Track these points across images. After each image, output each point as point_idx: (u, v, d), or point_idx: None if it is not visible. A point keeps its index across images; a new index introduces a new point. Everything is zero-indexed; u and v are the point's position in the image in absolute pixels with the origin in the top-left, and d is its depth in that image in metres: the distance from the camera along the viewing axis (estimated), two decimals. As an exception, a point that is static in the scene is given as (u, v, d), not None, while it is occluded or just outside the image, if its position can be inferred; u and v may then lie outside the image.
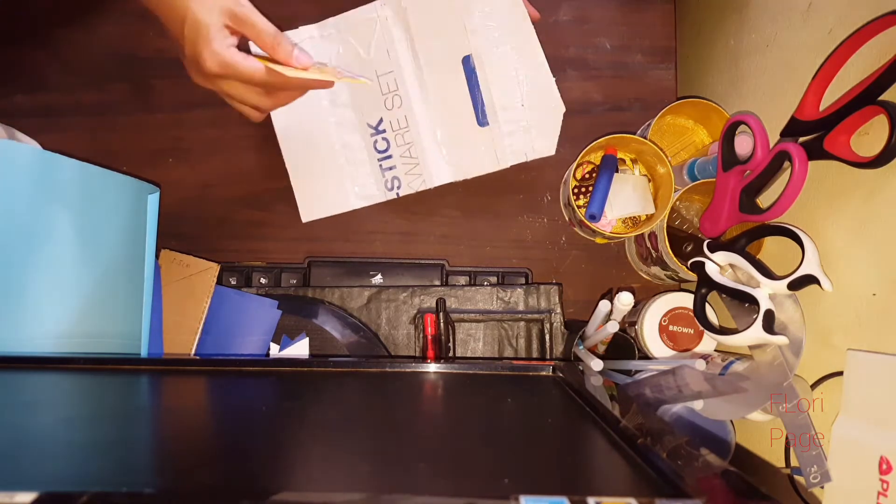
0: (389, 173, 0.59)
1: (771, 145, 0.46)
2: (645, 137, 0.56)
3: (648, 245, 0.56)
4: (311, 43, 0.58)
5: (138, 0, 0.44)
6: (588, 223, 0.55)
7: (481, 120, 0.57)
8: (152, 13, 0.44)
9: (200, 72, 0.44)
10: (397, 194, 0.59)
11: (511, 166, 0.59)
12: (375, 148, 0.59)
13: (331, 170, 0.59)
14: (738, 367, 0.48)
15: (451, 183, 0.60)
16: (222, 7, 0.43)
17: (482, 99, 0.57)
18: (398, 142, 0.58)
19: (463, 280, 0.61)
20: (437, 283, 0.61)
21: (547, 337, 0.58)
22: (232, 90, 0.46)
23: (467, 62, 0.57)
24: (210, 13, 0.43)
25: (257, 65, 0.45)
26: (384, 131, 0.58)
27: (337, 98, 0.59)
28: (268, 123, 0.61)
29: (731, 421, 0.50)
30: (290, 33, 0.57)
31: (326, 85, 0.49)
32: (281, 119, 0.59)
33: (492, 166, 0.58)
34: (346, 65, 0.58)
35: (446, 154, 0.59)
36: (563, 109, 0.57)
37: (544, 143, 0.58)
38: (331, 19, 0.58)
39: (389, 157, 0.59)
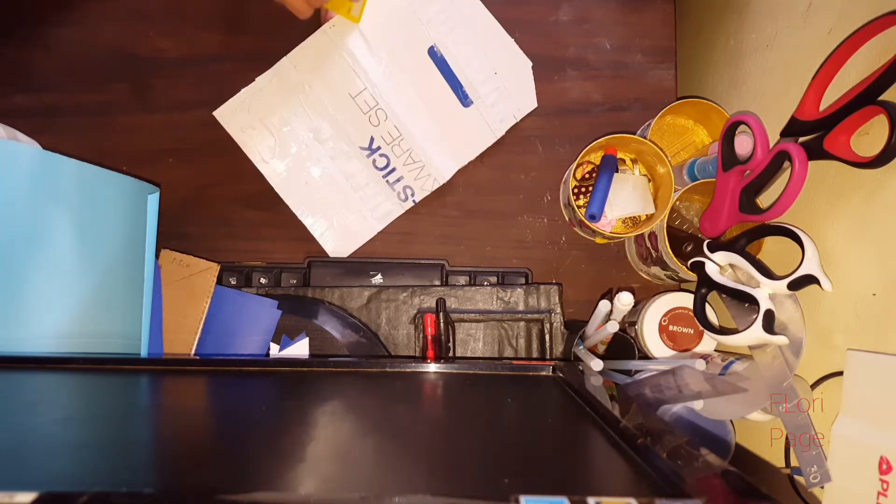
0: (398, 185, 0.59)
1: (771, 145, 0.46)
2: (645, 137, 0.56)
3: (648, 245, 0.56)
4: (271, 90, 0.58)
5: None
6: (588, 223, 0.55)
7: (465, 101, 0.59)
8: None
9: None
10: (413, 202, 0.60)
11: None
12: (376, 167, 0.59)
13: (342, 203, 0.60)
14: (738, 367, 0.48)
15: (452, 182, 0.60)
16: None
17: (459, 82, 0.58)
18: (396, 152, 0.59)
19: (463, 280, 0.61)
20: (437, 283, 0.61)
21: (547, 337, 0.58)
22: None
23: (433, 52, 0.58)
24: None
25: None
26: (378, 148, 0.59)
27: (320, 134, 0.59)
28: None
29: (731, 421, 0.50)
30: (247, 90, 0.58)
31: None
32: (275, 175, 0.59)
33: (490, 139, 0.60)
34: (316, 99, 0.58)
35: (446, 146, 0.59)
36: (530, 63, 0.60)
37: (525, 100, 0.60)
38: (284, 59, 0.57)
39: (393, 170, 0.59)
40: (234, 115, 0.59)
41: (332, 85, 0.58)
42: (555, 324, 0.58)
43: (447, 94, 0.59)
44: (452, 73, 0.58)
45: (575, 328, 0.57)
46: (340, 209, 0.60)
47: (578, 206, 0.58)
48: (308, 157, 0.59)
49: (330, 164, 0.59)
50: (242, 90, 0.58)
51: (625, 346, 0.57)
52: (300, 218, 0.60)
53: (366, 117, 0.58)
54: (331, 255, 0.60)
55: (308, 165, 0.59)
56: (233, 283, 0.59)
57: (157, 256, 0.57)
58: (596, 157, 0.60)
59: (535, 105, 0.61)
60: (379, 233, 0.61)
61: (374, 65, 0.58)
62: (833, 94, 0.42)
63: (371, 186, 0.59)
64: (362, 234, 0.60)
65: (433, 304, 0.59)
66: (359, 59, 0.57)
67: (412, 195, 0.60)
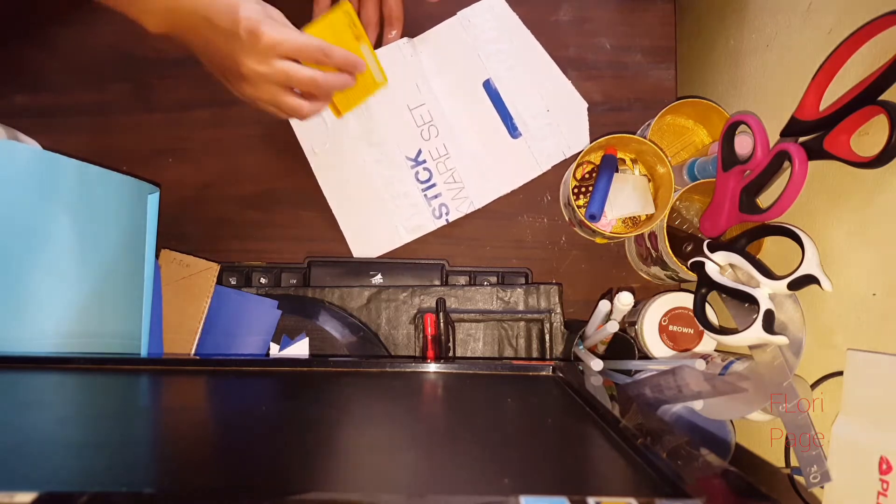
0: (436, 201, 0.60)
1: (771, 145, 0.46)
2: (645, 137, 0.56)
3: (648, 245, 0.56)
4: None
5: (175, 29, 0.44)
6: (588, 223, 0.55)
7: (513, 133, 0.61)
8: (187, 34, 0.45)
9: (256, 60, 0.44)
10: (447, 220, 0.60)
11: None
12: (417, 179, 0.60)
13: (377, 208, 0.60)
14: (738, 367, 0.48)
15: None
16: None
17: (510, 114, 0.60)
18: (440, 169, 0.60)
19: (463, 280, 0.61)
20: (437, 283, 0.61)
21: (547, 337, 0.58)
22: (285, 72, 0.46)
23: (488, 85, 0.61)
24: (261, 3, 0.44)
25: (311, 36, 0.46)
26: (424, 161, 0.60)
27: (371, 136, 0.60)
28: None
29: (731, 421, 0.50)
30: None
31: (358, 65, 0.50)
32: (321, 166, 0.60)
33: (534, 172, 0.61)
34: (376, 103, 0.59)
35: (489, 171, 0.61)
36: (586, 105, 0.61)
37: (577, 139, 0.61)
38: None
39: (433, 185, 0.60)
40: None
41: (394, 93, 0.60)
42: (555, 324, 0.58)
43: (497, 124, 0.61)
44: (504, 105, 0.61)
45: (575, 328, 0.57)
46: (374, 212, 0.60)
47: (578, 206, 0.58)
48: (355, 156, 0.60)
49: (374, 167, 0.60)
50: None
51: (625, 346, 0.57)
52: (334, 212, 0.60)
53: (418, 130, 0.60)
54: (354, 254, 0.60)
55: (353, 164, 0.60)
56: (233, 283, 0.59)
57: (157, 256, 0.57)
58: (596, 157, 0.60)
59: (588, 144, 0.61)
60: (379, 233, 0.61)
61: (437, 84, 0.60)
62: (833, 94, 0.42)
63: (409, 197, 0.60)
64: (390, 241, 0.60)
65: (433, 304, 0.59)
66: (426, 75, 0.60)
67: (446, 213, 0.60)
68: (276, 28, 0.44)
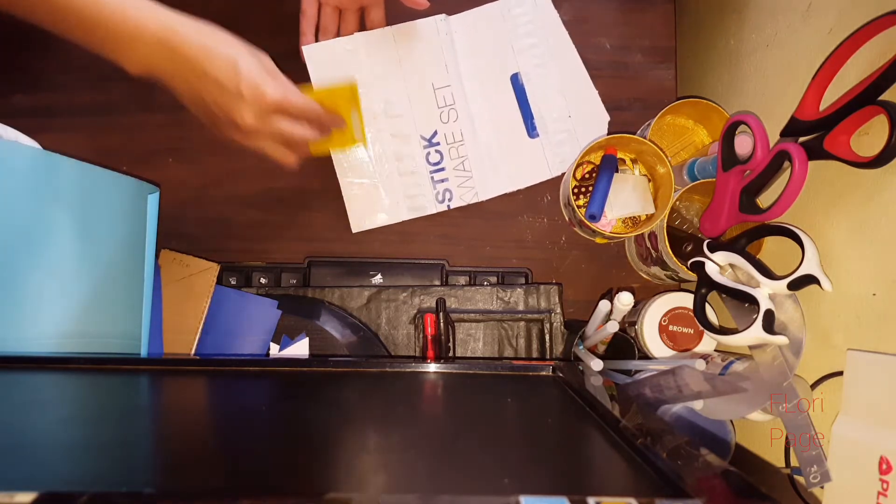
0: (441, 185, 0.60)
1: (771, 145, 0.46)
2: (645, 137, 0.56)
3: (648, 245, 0.56)
4: (365, 51, 0.59)
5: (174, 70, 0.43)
6: (588, 223, 0.55)
7: (531, 132, 0.60)
8: (174, 79, 0.44)
9: (253, 116, 0.44)
10: (448, 206, 0.60)
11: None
12: (428, 160, 0.60)
13: (383, 181, 0.60)
14: (738, 367, 0.48)
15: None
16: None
17: (531, 113, 0.60)
18: (452, 155, 0.59)
19: (463, 280, 0.61)
20: (437, 283, 0.61)
21: (547, 337, 0.58)
22: (283, 126, 0.46)
23: (515, 80, 0.60)
24: (254, 55, 0.44)
25: (309, 100, 0.47)
26: (438, 144, 0.59)
27: (391, 108, 0.59)
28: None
29: (731, 421, 0.50)
30: (343, 39, 0.58)
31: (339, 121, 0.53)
32: None
33: (545, 174, 0.61)
34: (402, 76, 0.59)
35: (500, 166, 0.60)
36: (608, 118, 0.61)
37: None
38: (388, 28, 0.59)
39: (442, 169, 0.60)
40: (320, 57, 0.58)
41: (421, 70, 0.59)
42: (555, 324, 0.58)
43: (517, 120, 0.60)
44: (528, 103, 0.60)
45: (575, 328, 0.57)
46: (379, 184, 0.60)
47: (578, 206, 0.58)
48: (371, 123, 0.60)
49: (388, 139, 0.60)
50: (339, 38, 0.58)
51: (625, 346, 0.57)
52: (339, 179, 0.59)
53: (438, 112, 0.59)
54: (353, 225, 0.60)
55: (368, 131, 0.60)
56: (233, 283, 0.59)
57: (157, 256, 0.57)
58: (596, 157, 0.60)
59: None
60: (378, 232, 0.61)
61: (465, 68, 0.60)
62: (833, 94, 0.42)
63: (416, 176, 0.60)
64: (389, 215, 0.60)
65: (433, 304, 0.59)
66: (456, 56, 0.59)
67: (449, 199, 0.60)
68: (278, 88, 0.44)
